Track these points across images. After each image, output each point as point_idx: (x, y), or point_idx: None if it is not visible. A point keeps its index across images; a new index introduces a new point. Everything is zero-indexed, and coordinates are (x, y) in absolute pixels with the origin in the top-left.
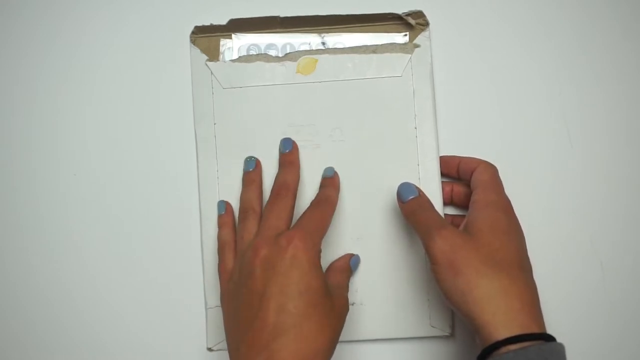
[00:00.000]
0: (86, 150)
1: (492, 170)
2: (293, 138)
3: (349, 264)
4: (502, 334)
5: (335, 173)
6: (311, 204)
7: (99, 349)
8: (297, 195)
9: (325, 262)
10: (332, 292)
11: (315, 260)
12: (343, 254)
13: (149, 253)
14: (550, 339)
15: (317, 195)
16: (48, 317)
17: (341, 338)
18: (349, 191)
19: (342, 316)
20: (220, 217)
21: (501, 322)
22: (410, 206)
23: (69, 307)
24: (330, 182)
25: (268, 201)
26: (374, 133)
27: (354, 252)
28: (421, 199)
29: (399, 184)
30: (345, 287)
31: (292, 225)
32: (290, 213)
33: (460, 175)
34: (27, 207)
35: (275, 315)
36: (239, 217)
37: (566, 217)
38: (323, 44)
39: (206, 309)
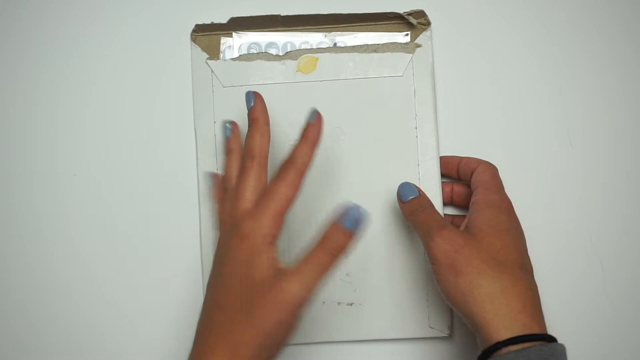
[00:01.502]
0: (86, 150)
1: (492, 170)
2: (293, 137)
3: (342, 232)
4: (503, 334)
5: (318, 115)
6: (279, 168)
7: (98, 348)
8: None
9: None
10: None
11: (261, 248)
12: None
13: (148, 252)
14: (551, 339)
15: (289, 156)
16: (48, 317)
17: (340, 338)
18: (348, 190)
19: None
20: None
21: (502, 323)
22: (410, 206)
23: (69, 306)
24: (308, 133)
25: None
26: (374, 132)
27: (353, 252)
28: (421, 198)
29: (399, 183)
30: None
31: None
32: (258, 185)
33: (460, 175)
34: (27, 207)
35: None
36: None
37: (566, 217)
38: (335, 44)
39: None
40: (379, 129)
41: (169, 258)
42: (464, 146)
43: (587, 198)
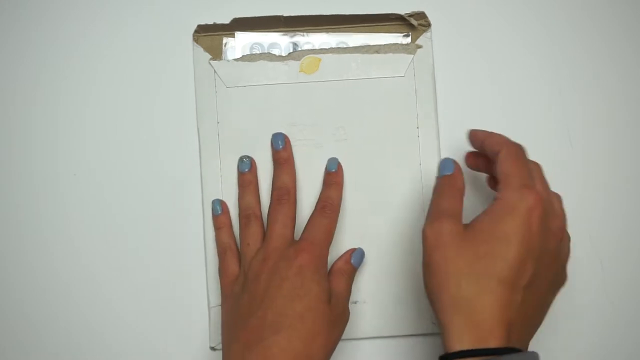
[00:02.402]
0: (86, 150)
1: (512, 158)
2: (296, 137)
3: (350, 263)
4: (454, 346)
5: (339, 166)
6: (316, 208)
7: (101, 349)
8: (299, 194)
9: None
10: (332, 300)
11: (319, 267)
12: (344, 252)
13: (151, 252)
14: (508, 351)
15: (321, 197)
16: (48, 317)
17: (343, 336)
18: (351, 190)
19: (338, 324)
20: (216, 218)
21: (456, 333)
22: (437, 183)
23: (70, 307)
24: (333, 179)
25: (271, 207)
26: (376, 132)
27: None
28: (450, 178)
29: (401, 182)
30: (344, 294)
31: (298, 229)
32: (294, 217)
33: (487, 155)
34: (27, 207)
35: (272, 315)
36: (240, 222)
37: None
38: (337, 45)
39: (209, 308)
40: (381, 129)
41: (169, 258)
42: (465, 146)
43: (587, 198)
